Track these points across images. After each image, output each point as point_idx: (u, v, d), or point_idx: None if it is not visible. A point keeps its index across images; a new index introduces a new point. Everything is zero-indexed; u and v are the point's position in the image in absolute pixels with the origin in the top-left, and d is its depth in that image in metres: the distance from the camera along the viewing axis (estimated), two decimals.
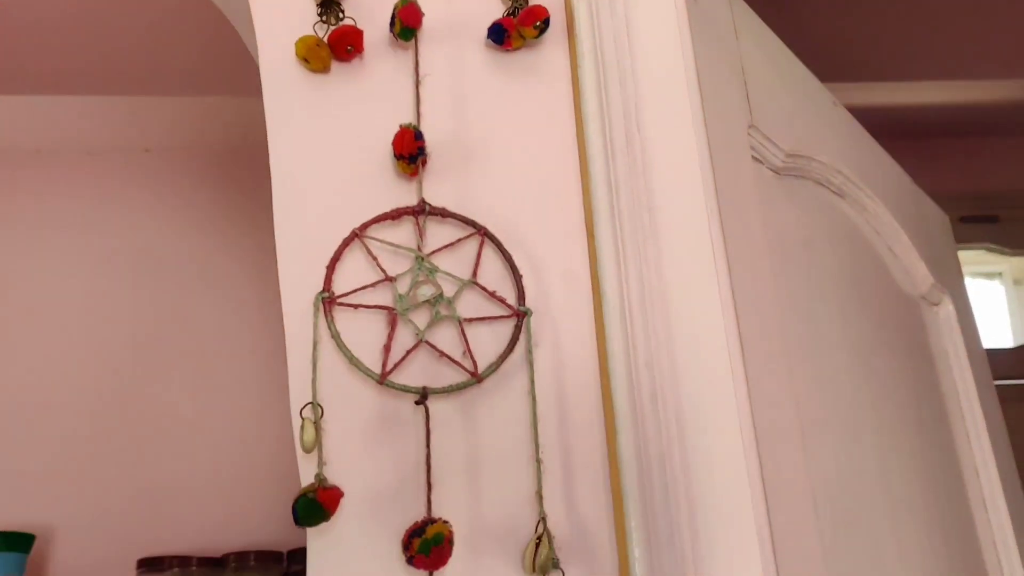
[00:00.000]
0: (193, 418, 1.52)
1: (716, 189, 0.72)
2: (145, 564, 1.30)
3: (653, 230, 0.66)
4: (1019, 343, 1.90)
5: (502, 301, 0.63)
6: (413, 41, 0.68)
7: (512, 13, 0.69)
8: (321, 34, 0.68)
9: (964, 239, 1.92)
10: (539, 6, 0.68)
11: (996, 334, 1.94)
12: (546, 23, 0.68)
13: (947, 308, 1.16)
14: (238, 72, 1.24)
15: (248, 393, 1.55)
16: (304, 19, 0.69)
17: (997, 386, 1.77)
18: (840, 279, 1.01)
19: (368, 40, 0.68)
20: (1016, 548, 1.06)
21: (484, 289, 0.63)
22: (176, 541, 1.42)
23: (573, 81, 0.69)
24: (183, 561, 1.30)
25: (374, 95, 0.68)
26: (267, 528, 1.43)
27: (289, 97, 0.67)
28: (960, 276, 1.26)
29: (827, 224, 1.02)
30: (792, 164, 0.96)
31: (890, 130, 2.00)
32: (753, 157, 0.91)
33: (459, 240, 0.64)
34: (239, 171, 1.69)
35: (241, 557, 1.29)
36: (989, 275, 1.99)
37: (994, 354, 1.90)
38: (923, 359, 1.13)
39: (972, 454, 1.11)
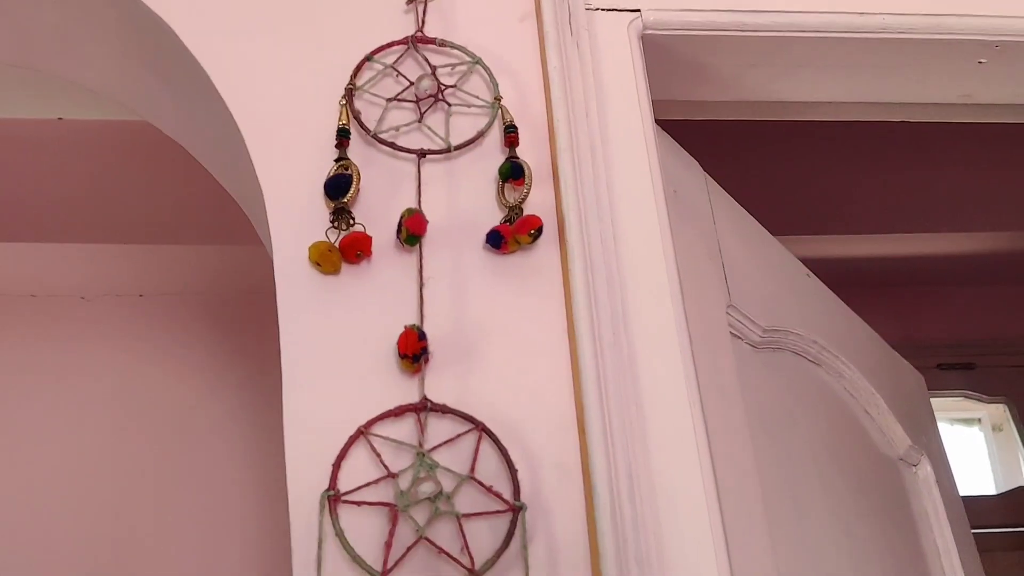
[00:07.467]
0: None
1: (697, 375, 0.77)
2: None
3: (641, 424, 0.71)
4: (1002, 490, 1.93)
5: (498, 496, 0.66)
6: (418, 246, 0.74)
7: (509, 220, 0.75)
8: (333, 239, 0.74)
9: (941, 386, 1.98)
10: (533, 216, 0.74)
11: (978, 481, 1.97)
12: (539, 231, 0.74)
13: (925, 469, 1.19)
14: (231, 222, 1.30)
15: (243, 541, 1.55)
16: (317, 222, 0.75)
17: (983, 534, 1.78)
18: (820, 447, 1.05)
19: (376, 244, 0.74)
20: None
21: (481, 484, 0.67)
22: None
23: (564, 282, 0.74)
24: None
25: (381, 296, 0.73)
26: None
27: (301, 297, 0.73)
28: (937, 434, 1.30)
29: (806, 393, 1.07)
30: (770, 338, 1.01)
31: (869, 280, 2.10)
32: (732, 334, 0.96)
33: (458, 436, 0.68)
34: (232, 316, 1.75)
35: None
36: (968, 421, 2.04)
37: (978, 501, 1.92)
38: (904, 520, 1.16)
39: None
